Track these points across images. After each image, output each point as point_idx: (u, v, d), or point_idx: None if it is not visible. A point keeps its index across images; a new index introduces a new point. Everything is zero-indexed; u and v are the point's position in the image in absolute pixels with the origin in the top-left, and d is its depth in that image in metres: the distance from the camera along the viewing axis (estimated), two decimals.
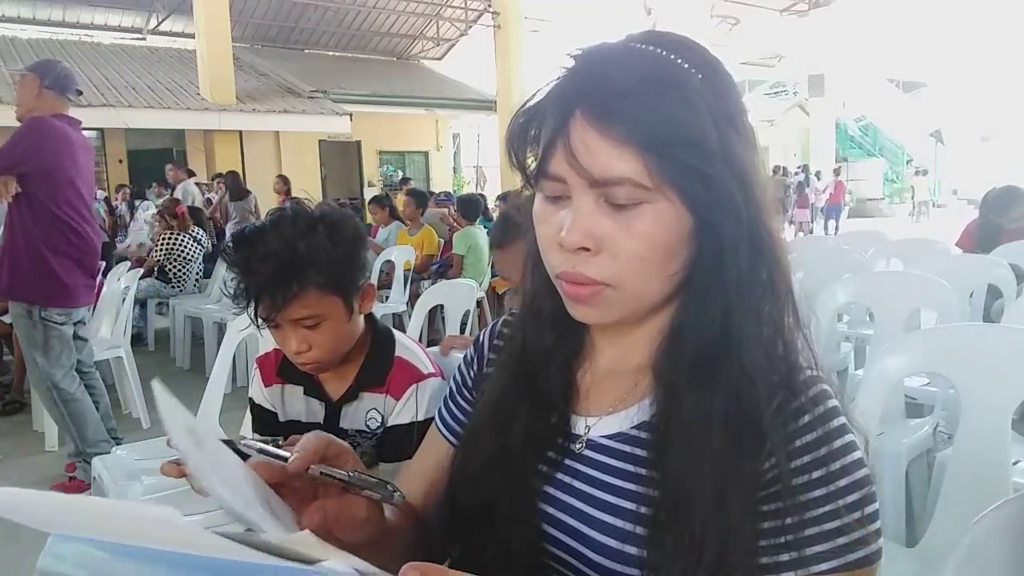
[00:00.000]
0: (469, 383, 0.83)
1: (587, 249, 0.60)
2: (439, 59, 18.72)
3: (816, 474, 0.58)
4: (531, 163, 0.65)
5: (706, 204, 0.59)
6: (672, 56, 0.60)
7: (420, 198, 6.19)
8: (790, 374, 0.61)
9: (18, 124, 2.77)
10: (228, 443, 0.94)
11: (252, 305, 1.12)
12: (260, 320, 1.14)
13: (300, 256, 1.09)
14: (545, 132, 0.61)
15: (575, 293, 0.63)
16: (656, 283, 0.62)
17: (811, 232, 13.69)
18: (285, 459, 0.92)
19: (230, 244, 1.14)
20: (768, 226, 0.62)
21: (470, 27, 17.32)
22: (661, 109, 0.57)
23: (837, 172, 16.09)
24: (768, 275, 0.62)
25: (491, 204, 7.88)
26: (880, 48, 21.64)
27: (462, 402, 0.83)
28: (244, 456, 0.95)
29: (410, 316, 3.42)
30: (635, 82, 0.58)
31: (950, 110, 22.60)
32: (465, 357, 0.85)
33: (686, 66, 0.60)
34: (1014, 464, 1.46)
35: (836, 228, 14.63)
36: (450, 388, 0.85)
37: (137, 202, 9.11)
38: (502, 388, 0.74)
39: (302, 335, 1.13)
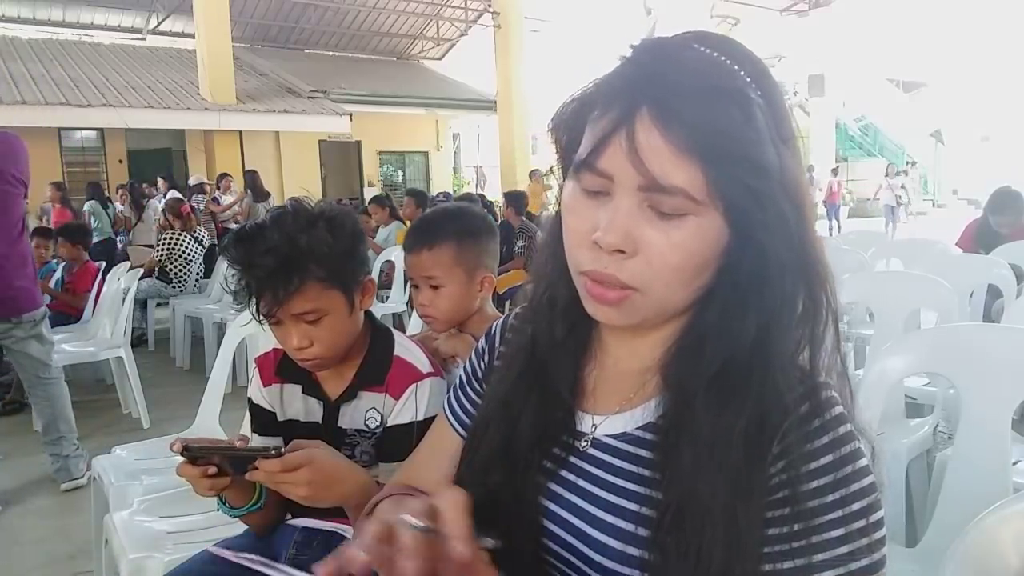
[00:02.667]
0: (479, 374, 0.83)
1: (622, 252, 0.59)
2: (439, 59, 18.70)
3: (825, 480, 0.57)
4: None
5: (757, 223, 0.58)
6: (736, 67, 0.59)
7: (421, 198, 6.18)
8: (812, 384, 0.61)
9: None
10: (185, 450, 0.96)
11: (254, 301, 1.12)
12: (261, 316, 1.13)
13: (301, 250, 1.09)
14: (601, 125, 0.59)
15: (601, 295, 0.62)
16: (683, 292, 0.62)
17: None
18: (258, 451, 0.95)
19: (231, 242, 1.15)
20: (815, 246, 0.61)
21: (470, 27, 17.31)
22: (727, 124, 0.57)
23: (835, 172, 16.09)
24: (810, 295, 0.61)
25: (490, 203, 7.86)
26: (880, 48, 21.63)
27: (471, 393, 0.83)
28: (197, 458, 0.97)
29: (410, 316, 3.41)
30: (702, 90, 0.57)
31: (950, 110, 22.58)
32: (476, 348, 0.85)
33: (748, 79, 0.59)
34: (1014, 464, 1.46)
35: (839, 227, 14.66)
36: (460, 379, 0.85)
37: (145, 201, 8.98)
38: (510, 380, 0.73)
39: (303, 330, 1.13)
